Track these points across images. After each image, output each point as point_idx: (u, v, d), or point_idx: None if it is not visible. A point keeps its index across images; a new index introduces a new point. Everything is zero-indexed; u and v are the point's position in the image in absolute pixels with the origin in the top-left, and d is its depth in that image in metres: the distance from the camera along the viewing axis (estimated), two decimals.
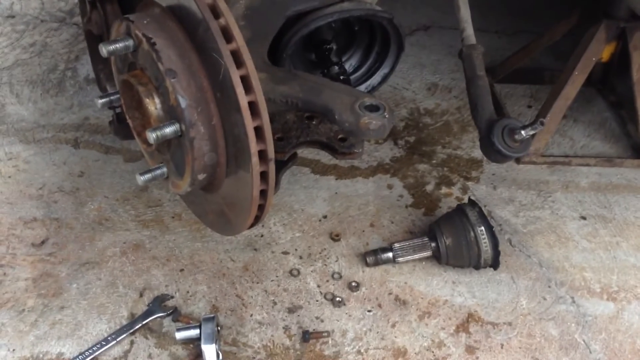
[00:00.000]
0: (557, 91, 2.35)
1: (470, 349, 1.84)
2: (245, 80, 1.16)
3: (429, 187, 2.34)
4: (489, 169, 2.43)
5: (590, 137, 2.62)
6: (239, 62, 1.17)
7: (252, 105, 1.18)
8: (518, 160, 2.44)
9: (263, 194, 1.26)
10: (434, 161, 2.45)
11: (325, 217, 2.18)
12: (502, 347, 1.85)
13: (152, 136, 1.22)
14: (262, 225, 2.12)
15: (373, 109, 1.29)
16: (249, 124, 1.16)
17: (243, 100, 1.15)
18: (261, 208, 1.30)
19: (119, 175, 2.21)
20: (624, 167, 2.47)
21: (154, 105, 1.27)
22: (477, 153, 2.49)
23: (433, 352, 1.82)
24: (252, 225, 1.39)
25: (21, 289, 1.85)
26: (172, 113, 1.25)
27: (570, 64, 2.34)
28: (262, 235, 2.09)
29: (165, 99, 1.25)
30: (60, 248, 1.97)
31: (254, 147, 1.18)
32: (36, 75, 2.55)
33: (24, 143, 2.31)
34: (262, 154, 1.21)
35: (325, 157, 2.40)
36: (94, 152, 2.30)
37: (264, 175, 1.23)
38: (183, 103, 1.20)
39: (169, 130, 1.23)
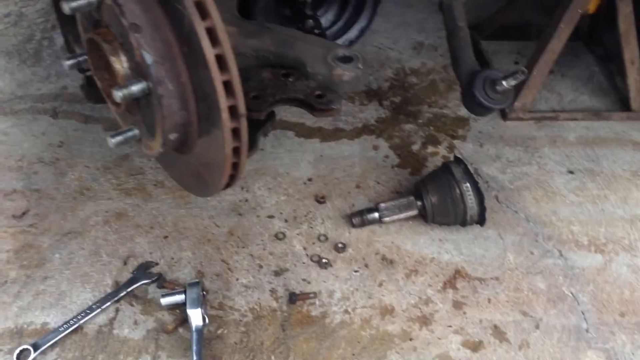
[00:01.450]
0: (543, 45, 2.31)
1: (457, 305, 1.83)
2: (211, 32, 1.12)
3: (415, 147, 2.31)
4: (475, 127, 2.40)
5: (578, 91, 2.59)
6: (203, 13, 1.12)
7: (220, 59, 1.14)
8: (505, 117, 2.42)
9: (236, 151, 1.23)
10: (420, 121, 2.41)
11: (310, 179, 2.16)
12: (489, 302, 1.85)
13: (118, 95, 1.18)
14: (247, 190, 2.09)
15: (346, 60, 1.25)
16: (217, 79, 1.12)
17: (210, 53, 1.11)
18: (235, 166, 1.27)
19: (99, 144, 2.17)
20: (612, 121, 2.45)
21: (120, 64, 1.23)
22: (464, 111, 2.46)
23: (420, 308, 1.82)
24: (228, 185, 1.37)
25: (2, 260, 1.83)
26: (138, 70, 1.21)
27: (556, 17, 2.29)
28: (246, 200, 2.07)
29: (131, 56, 1.21)
30: (42, 219, 1.94)
31: (223, 102, 1.14)
32: (12, 46, 2.49)
33: (1, 115, 2.27)
34: (232, 110, 1.17)
35: (309, 120, 2.37)
36: (73, 122, 2.26)
37: (236, 132, 1.20)
38: (149, 59, 1.16)
39: (135, 88, 1.19)
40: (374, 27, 2.78)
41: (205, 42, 1.11)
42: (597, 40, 2.73)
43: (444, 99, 2.50)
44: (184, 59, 1.20)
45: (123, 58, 1.23)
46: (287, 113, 2.37)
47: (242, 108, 1.17)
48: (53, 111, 2.29)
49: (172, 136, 1.26)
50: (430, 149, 2.30)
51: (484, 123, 2.41)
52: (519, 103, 2.39)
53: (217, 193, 1.43)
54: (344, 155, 2.25)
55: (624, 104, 2.49)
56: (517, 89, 2.37)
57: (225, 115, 1.15)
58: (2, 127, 2.22)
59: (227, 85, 1.16)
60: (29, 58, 2.47)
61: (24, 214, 1.96)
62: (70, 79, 2.37)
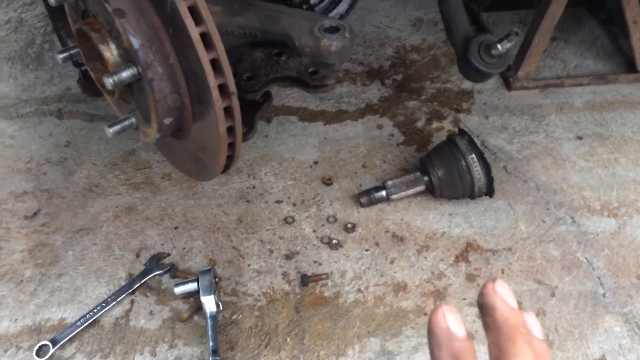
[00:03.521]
0: (543, 11, 2.28)
1: (470, 277, 1.82)
2: (193, 10, 1.12)
3: (420, 123, 2.30)
4: (480, 99, 2.38)
5: (583, 56, 2.56)
6: None
7: (205, 37, 1.13)
8: (509, 87, 2.40)
9: (231, 131, 1.23)
10: (424, 97, 2.40)
11: (316, 162, 2.15)
12: (503, 273, 1.84)
13: (109, 81, 1.19)
14: (253, 177, 2.10)
15: (333, 30, 1.24)
16: (204, 57, 1.12)
17: (194, 31, 1.11)
18: (232, 146, 1.27)
19: (105, 141, 2.19)
20: (619, 83, 2.42)
21: (109, 51, 1.23)
22: (467, 84, 2.44)
23: (433, 283, 1.81)
24: (227, 167, 1.37)
25: (18, 260, 1.85)
26: (127, 56, 1.21)
27: None
28: (254, 187, 2.07)
29: (119, 43, 1.21)
30: (53, 218, 1.97)
31: (212, 81, 1.14)
32: (14, 52, 2.51)
33: (7, 119, 2.29)
34: (222, 88, 1.17)
35: (312, 104, 2.36)
36: (79, 121, 2.28)
37: (228, 111, 1.20)
38: (136, 43, 1.17)
39: (125, 74, 1.19)
40: (371, 7, 2.77)
41: (188, 21, 1.11)
42: (598, 4, 2.69)
43: (447, 73, 2.48)
44: (171, 41, 1.20)
45: (112, 45, 1.23)
46: (289, 98, 2.37)
47: (232, 86, 1.17)
48: (58, 112, 2.31)
49: (167, 120, 1.26)
50: (435, 124, 2.29)
51: (489, 94, 2.39)
52: (522, 72, 2.36)
53: (216, 176, 1.43)
54: (349, 137, 2.24)
55: (629, 66, 2.45)
56: (519, 56, 2.36)
57: (215, 93, 1.15)
58: (10, 131, 2.25)
59: (215, 64, 1.15)
60: (32, 62, 2.50)
61: (35, 214, 1.98)
62: (73, 80, 2.39)
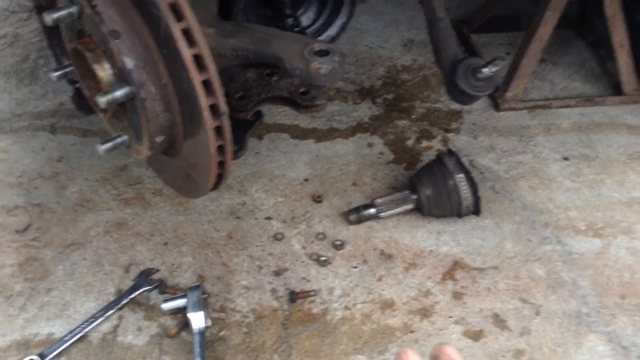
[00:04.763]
0: (531, 34, 2.32)
1: (457, 295, 1.84)
2: (187, 33, 1.15)
3: (410, 142, 2.33)
4: (469, 119, 2.42)
5: (570, 78, 2.60)
6: (179, 16, 1.15)
7: (198, 59, 1.16)
8: (497, 108, 2.43)
9: (221, 150, 1.26)
10: (414, 116, 2.43)
11: (306, 180, 2.18)
12: (489, 291, 1.86)
13: (102, 100, 1.21)
14: (244, 193, 2.12)
15: (323, 53, 1.28)
16: (196, 78, 1.15)
17: (186, 53, 1.14)
18: (222, 165, 1.30)
19: (98, 156, 2.21)
20: (605, 105, 2.46)
21: (103, 71, 1.26)
22: (456, 105, 2.47)
23: (420, 301, 1.83)
24: (217, 185, 1.39)
25: (7, 275, 1.86)
26: (121, 76, 1.24)
27: (543, 4, 2.30)
28: (244, 203, 2.09)
29: (113, 63, 1.24)
30: (44, 232, 1.98)
31: (204, 101, 1.17)
32: (9, 66, 2.53)
33: (1, 134, 2.30)
34: (213, 109, 1.20)
35: (303, 122, 2.39)
36: (71, 137, 2.30)
37: (219, 131, 1.23)
38: (129, 64, 1.19)
39: (119, 93, 1.22)
40: (364, 27, 2.81)
41: (181, 43, 1.14)
42: (587, 27, 2.73)
43: (436, 93, 2.52)
44: (164, 62, 1.22)
45: (106, 65, 1.26)
46: (281, 116, 2.40)
47: (223, 106, 1.19)
48: (51, 127, 2.33)
49: (159, 139, 1.29)
50: (424, 143, 2.32)
51: (477, 115, 2.43)
52: (510, 93, 2.40)
53: (207, 193, 1.45)
54: (339, 154, 2.27)
55: (616, 89, 2.49)
56: (508, 77, 2.40)
57: (206, 114, 1.18)
58: (3, 145, 2.26)
59: (207, 85, 1.18)
60: (26, 77, 2.52)
61: (26, 228, 1.99)
62: (67, 95, 2.41)
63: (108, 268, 1.89)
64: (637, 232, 2.02)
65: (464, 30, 2.72)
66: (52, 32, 1.54)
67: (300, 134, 2.34)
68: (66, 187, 2.12)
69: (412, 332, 1.75)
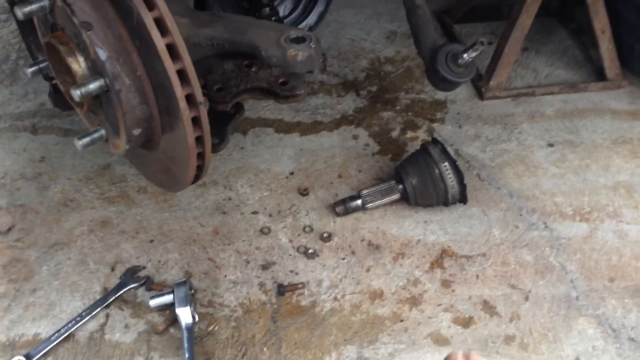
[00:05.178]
0: (513, 21, 2.33)
1: (446, 283, 1.84)
2: (159, 22, 1.13)
3: (395, 133, 2.32)
4: (453, 109, 2.42)
5: (554, 66, 2.61)
6: (150, 5, 1.14)
7: (171, 48, 1.15)
8: (482, 97, 2.43)
9: (199, 140, 1.24)
10: (398, 107, 2.43)
11: (292, 173, 2.16)
12: (477, 278, 1.85)
13: (76, 93, 1.19)
14: (230, 189, 2.10)
15: (299, 40, 1.27)
16: (170, 67, 1.13)
17: (160, 42, 1.12)
18: (201, 156, 1.28)
19: (80, 156, 2.18)
20: (589, 91, 2.47)
21: (77, 64, 1.24)
22: (441, 95, 2.47)
23: (409, 290, 1.82)
24: (197, 177, 1.37)
25: None
26: (95, 68, 1.22)
27: None
28: (230, 199, 2.08)
29: (87, 55, 1.22)
30: (28, 233, 1.95)
31: (179, 91, 1.15)
32: None
33: None
34: (190, 99, 1.18)
35: (288, 116, 2.38)
36: (53, 137, 2.27)
37: (196, 121, 1.21)
38: (102, 55, 1.18)
39: (93, 86, 1.20)
40: (346, 20, 2.80)
41: (154, 33, 1.12)
42: (569, 15, 2.74)
43: (420, 84, 2.51)
44: (138, 53, 1.21)
45: (80, 58, 1.24)
46: (265, 110, 2.38)
47: (199, 96, 1.18)
48: (32, 127, 2.31)
49: (136, 132, 1.27)
50: (409, 134, 2.32)
51: (462, 104, 2.43)
52: (494, 82, 2.40)
53: (187, 186, 1.43)
54: (324, 147, 2.26)
55: (599, 75, 2.50)
56: (491, 66, 2.40)
57: (182, 104, 1.16)
58: None
59: (182, 74, 1.17)
60: (6, 78, 2.49)
61: (9, 229, 1.96)
62: (47, 95, 2.38)
63: (93, 267, 1.87)
64: (623, 215, 2.02)
65: (446, 21, 2.72)
66: (27, 29, 1.52)
67: (284, 128, 2.33)
68: (49, 187, 2.09)
69: (401, 321, 1.75)
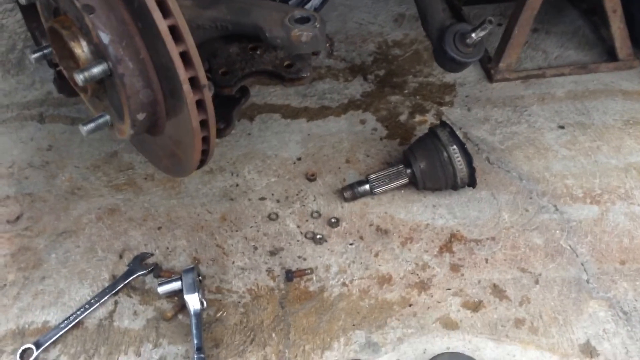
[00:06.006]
0: (522, 3, 2.29)
1: (455, 267, 1.83)
2: (161, 4, 1.12)
3: (403, 117, 2.30)
4: (462, 92, 2.39)
5: (564, 47, 2.57)
6: None
7: (174, 30, 1.13)
8: (491, 79, 2.40)
9: (204, 124, 1.23)
10: (406, 91, 2.40)
11: (299, 159, 2.15)
12: (486, 262, 1.84)
13: (79, 78, 1.19)
14: (237, 175, 2.09)
15: (303, 20, 1.25)
16: (173, 50, 1.12)
17: (162, 24, 1.11)
18: (206, 140, 1.27)
19: (87, 144, 2.18)
20: (600, 72, 2.43)
21: (80, 48, 1.23)
22: (449, 77, 2.45)
23: (418, 274, 1.81)
24: (202, 162, 1.37)
25: (0, 265, 1.84)
26: (98, 52, 1.21)
27: None
28: (237, 185, 2.07)
29: (89, 39, 1.21)
30: (36, 221, 1.96)
31: (182, 74, 1.14)
32: None
33: None
34: (193, 82, 1.17)
35: (295, 101, 2.36)
36: (60, 125, 2.27)
37: (200, 105, 1.20)
38: (105, 39, 1.17)
39: (96, 70, 1.19)
40: (353, 3, 2.77)
41: (156, 14, 1.11)
42: None
43: (429, 67, 2.48)
44: (141, 36, 1.19)
45: (83, 42, 1.23)
46: (272, 96, 2.37)
47: (203, 79, 1.16)
48: (40, 116, 2.31)
49: (141, 116, 1.26)
50: (417, 117, 2.29)
51: (471, 87, 2.40)
52: (503, 63, 2.37)
53: (193, 171, 1.42)
54: (332, 132, 2.24)
55: (610, 55, 2.46)
56: (500, 47, 2.37)
57: (186, 87, 1.15)
58: None
59: (185, 57, 1.15)
60: (13, 67, 2.49)
61: (18, 218, 1.97)
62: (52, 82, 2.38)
63: (102, 254, 1.87)
64: (635, 197, 1.99)
65: (454, 3, 2.68)
66: (30, 15, 1.51)
67: (291, 113, 2.32)
68: (56, 176, 2.10)
69: (410, 305, 1.74)
